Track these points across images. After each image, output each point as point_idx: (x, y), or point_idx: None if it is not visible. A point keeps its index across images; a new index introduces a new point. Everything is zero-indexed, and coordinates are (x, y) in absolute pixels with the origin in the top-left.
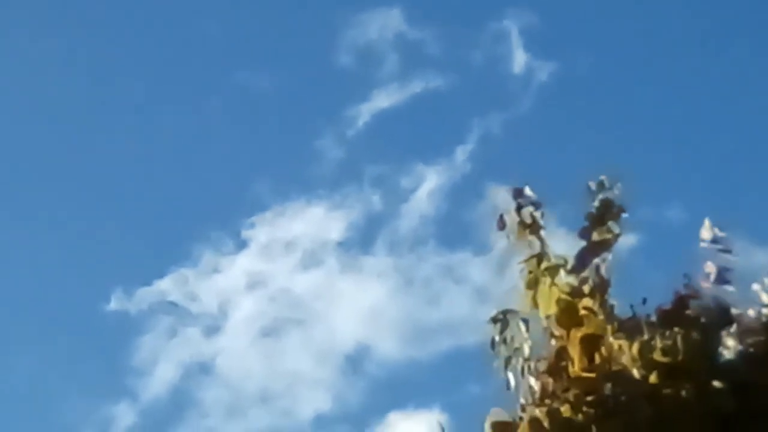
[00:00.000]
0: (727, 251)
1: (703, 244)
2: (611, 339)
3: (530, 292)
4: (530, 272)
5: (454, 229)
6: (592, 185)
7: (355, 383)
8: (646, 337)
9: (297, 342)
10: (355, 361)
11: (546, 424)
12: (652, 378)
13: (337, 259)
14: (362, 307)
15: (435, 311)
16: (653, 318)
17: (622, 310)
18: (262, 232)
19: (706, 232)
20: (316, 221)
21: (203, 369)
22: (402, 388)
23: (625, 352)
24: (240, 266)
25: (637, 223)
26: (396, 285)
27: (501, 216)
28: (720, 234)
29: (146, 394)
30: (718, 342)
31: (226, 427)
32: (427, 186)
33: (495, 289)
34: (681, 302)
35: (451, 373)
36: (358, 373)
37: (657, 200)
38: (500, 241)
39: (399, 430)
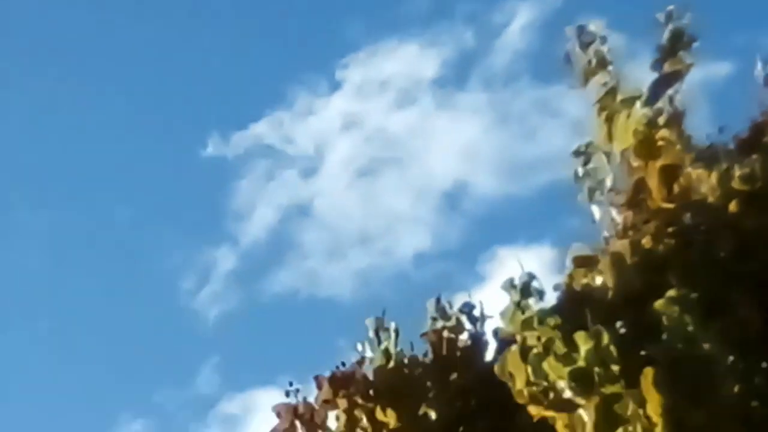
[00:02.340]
0: None
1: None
2: (689, 169)
3: (606, 126)
4: (605, 107)
5: (547, 63)
6: (661, 17)
7: (454, 220)
8: (724, 165)
9: (394, 181)
10: (453, 198)
11: (627, 256)
12: (732, 206)
13: (432, 96)
14: (458, 144)
15: (531, 146)
16: (731, 146)
17: (701, 139)
18: (355, 72)
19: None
20: (409, 60)
21: (301, 211)
22: (502, 224)
23: (703, 182)
24: (335, 107)
25: (730, 51)
26: (491, 121)
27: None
28: None
29: (246, 237)
30: None
31: (326, 269)
32: (520, 21)
33: (590, 122)
34: (758, 130)
35: (552, 207)
36: (457, 210)
37: (754, 27)
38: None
39: (509, 265)
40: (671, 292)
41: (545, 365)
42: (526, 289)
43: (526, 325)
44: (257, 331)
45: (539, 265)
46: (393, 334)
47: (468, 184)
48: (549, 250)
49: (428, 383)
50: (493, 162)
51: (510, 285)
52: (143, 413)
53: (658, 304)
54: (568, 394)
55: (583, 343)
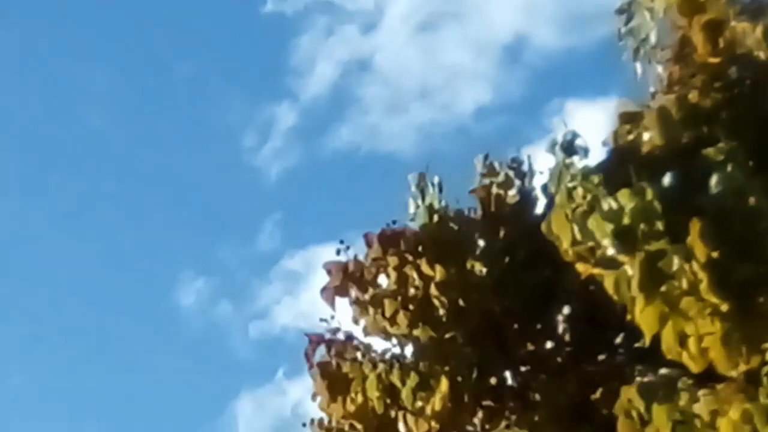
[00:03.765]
0: None
1: None
2: (734, 23)
3: None
4: None
5: None
6: None
7: (515, 73)
8: None
9: (454, 35)
10: (514, 51)
11: (674, 111)
12: None
13: None
14: None
15: None
16: None
17: None
18: None
19: None
20: None
21: (362, 66)
22: (566, 76)
23: (748, 35)
24: None
25: None
26: None
27: None
28: None
29: (306, 93)
30: None
31: (387, 123)
32: None
33: None
34: None
35: (616, 59)
36: (518, 63)
37: None
38: None
39: (576, 118)
40: (720, 144)
41: (590, 224)
42: (569, 148)
43: (570, 184)
44: (319, 187)
45: (607, 118)
46: (436, 189)
47: (528, 37)
48: (616, 103)
49: (476, 238)
50: (553, 14)
51: (553, 145)
52: (205, 271)
53: (708, 151)
54: (612, 251)
55: (627, 201)
